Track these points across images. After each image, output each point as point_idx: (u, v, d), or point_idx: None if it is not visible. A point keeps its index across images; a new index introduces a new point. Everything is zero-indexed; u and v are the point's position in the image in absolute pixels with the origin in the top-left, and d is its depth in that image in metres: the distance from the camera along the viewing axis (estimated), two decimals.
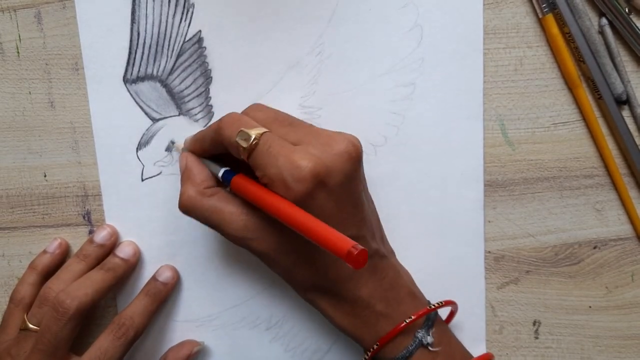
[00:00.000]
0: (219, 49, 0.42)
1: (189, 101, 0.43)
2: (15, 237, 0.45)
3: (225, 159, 0.38)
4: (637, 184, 0.42)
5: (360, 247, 0.30)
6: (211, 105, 0.42)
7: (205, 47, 0.42)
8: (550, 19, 0.41)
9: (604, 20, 0.40)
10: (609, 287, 0.43)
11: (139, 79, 0.42)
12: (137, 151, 0.43)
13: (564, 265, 0.43)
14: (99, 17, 0.42)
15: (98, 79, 0.43)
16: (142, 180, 0.43)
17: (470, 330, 0.43)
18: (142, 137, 0.43)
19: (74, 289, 0.40)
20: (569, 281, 0.43)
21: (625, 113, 0.42)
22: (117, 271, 0.42)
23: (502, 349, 0.44)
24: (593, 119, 0.42)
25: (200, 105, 0.42)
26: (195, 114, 0.43)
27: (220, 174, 0.38)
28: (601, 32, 0.41)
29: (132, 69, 0.42)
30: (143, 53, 0.42)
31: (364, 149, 0.37)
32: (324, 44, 0.41)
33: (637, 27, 0.40)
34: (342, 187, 0.35)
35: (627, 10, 0.40)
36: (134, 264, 0.44)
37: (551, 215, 0.43)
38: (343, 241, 0.30)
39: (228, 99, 0.42)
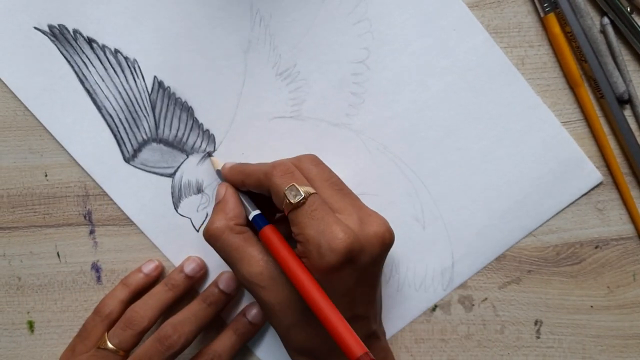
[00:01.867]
0: (180, 79, 0.42)
1: (187, 139, 0.43)
2: (16, 237, 0.45)
3: (259, 196, 0.39)
4: (638, 183, 0.42)
5: (372, 356, 0.31)
6: (207, 130, 0.43)
7: (169, 87, 0.42)
8: (552, 18, 0.40)
9: (606, 20, 0.40)
10: (611, 286, 0.43)
11: (136, 151, 0.43)
12: (176, 210, 0.43)
13: (566, 265, 0.43)
14: (71, 125, 0.43)
15: (105, 174, 0.43)
16: (197, 230, 0.44)
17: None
18: (172, 196, 0.43)
19: (180, 323, 0.40)
20: (570, 281, 0.43)
21: (627, 112, 0.42)
22: (218, 305, 0.42)
23: (504, 348, 0.44)
24: (595, 118, 0.42)
25: (198, 136, 0.43)
26: (200, 146, 0.43)
27: (251, 217, 0.38)
28: (603, 32, 0.41)
29: (126, 147, 0.43)
30: (125, 128, 0.43)
31: (355, 70, 0.40)
32: (259, 10, 0.42)
33: (639, 26, 0.40)
34: (367, 267, 0.35)
35: (629, 10, 0.40)
36: (234, 298, 0.43)
37: (553, 215, 0.43)
38: (357, 346, 0.31)
39: (216, 115, 0.43)
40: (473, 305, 0.44)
